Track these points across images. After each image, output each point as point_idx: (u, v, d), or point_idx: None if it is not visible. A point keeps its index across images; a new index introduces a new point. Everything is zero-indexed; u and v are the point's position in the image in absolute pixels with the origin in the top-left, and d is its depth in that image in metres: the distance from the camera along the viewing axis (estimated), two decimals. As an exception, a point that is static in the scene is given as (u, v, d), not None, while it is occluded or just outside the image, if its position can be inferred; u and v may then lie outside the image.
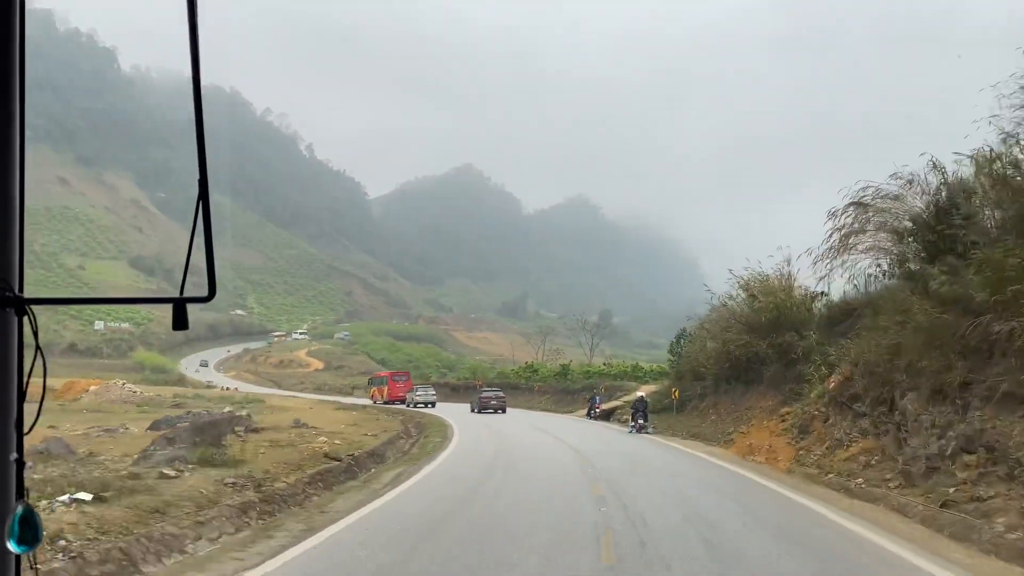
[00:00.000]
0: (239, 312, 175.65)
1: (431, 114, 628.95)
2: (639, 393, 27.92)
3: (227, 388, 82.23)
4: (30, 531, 1.27)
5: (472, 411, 44.59)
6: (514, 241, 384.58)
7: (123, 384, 45.44)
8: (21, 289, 1.49)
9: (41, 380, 1.44)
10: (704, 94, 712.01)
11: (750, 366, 26.42)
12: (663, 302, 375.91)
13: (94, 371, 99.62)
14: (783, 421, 22.06)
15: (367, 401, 59.61)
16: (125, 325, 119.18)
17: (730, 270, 27.95)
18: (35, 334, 1.45)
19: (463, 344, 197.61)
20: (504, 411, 44.02)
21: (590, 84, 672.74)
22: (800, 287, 25.22)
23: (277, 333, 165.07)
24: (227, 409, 30.06)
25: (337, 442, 18.93)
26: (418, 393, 54.12)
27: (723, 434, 24.61)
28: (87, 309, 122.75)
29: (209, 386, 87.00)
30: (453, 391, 65.60)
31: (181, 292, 1.68)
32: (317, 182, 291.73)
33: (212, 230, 1.72)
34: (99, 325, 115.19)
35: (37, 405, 1.52)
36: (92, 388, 44.62)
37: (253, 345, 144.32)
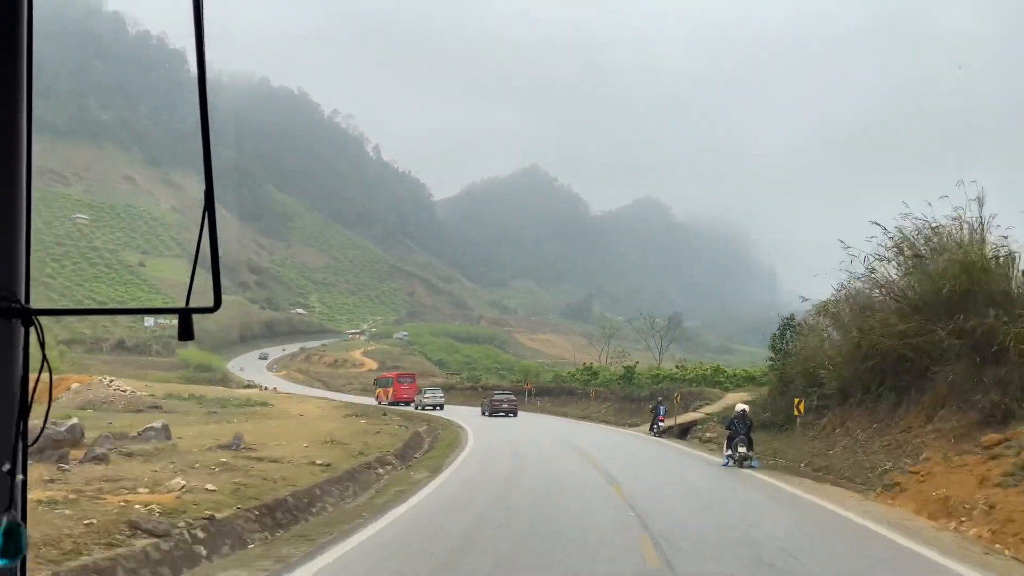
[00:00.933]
0: (299, 311, 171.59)
1: (498, 115, 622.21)
2: (740, 406, 18.93)
3: (266, 388, 76.06)
4: (13, 544, 1.25)
5: (483, 414, 42.49)
6: (580, 243, 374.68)
7: (110, 381, 38.66)
8: (28, 300, 1.48)
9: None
10: (784, 89, 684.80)
11: (907, 365, 17.12)
12: (736, 306, 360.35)
13: (137, 368, 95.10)
14: (994, 458, 12.84)
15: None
16: (176, 322, 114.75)
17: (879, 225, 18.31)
18: (42, 345, 1.42)
19: (524, 346, 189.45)
20: (516, 414, 42.15)
21: (660, 81, 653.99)
22: (997, 244, 15.69)
23: (352, 332, 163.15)
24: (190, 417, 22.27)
25: (210, 488, 10.59)
26: (426, 395, 52.25)
27: (874, 473, 15.29)
28: (115, 302, 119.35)
29: (248, 386, 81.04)
30: (502, 394, 57.62)
31: (187, 303, 1.64)
32: (383, 183, 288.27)
33: (218, 240, 1.67)
34: (150, 321, 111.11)
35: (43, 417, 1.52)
36: (73, 386, 37.96)
37: (310, 344, 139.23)
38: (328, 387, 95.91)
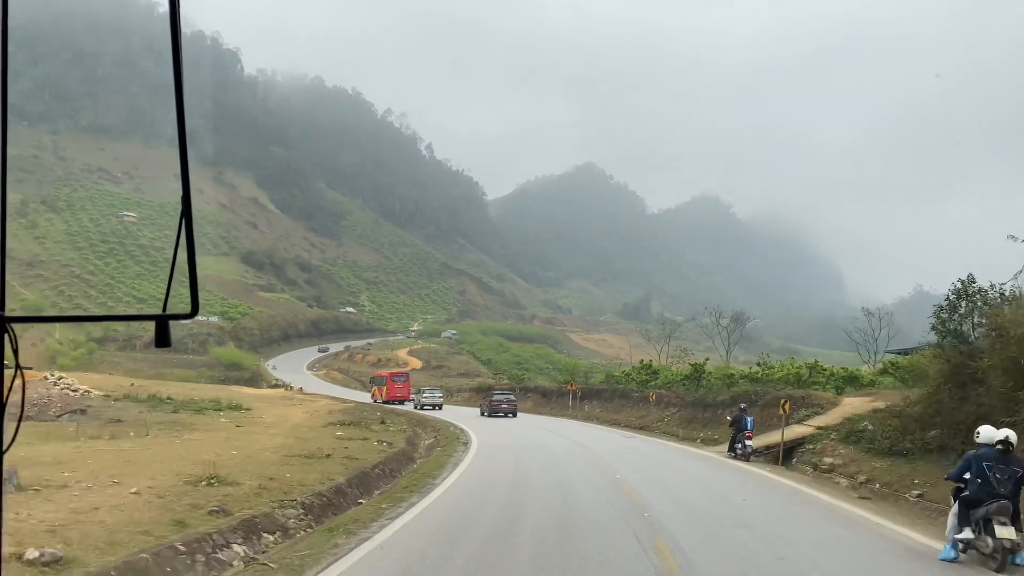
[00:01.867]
0: (349, 310, 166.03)
1: (552, 112, 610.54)
2: (991, 432, 9.74)
3: (291, 387, 69.16)
4: None
5: (482, 414, 41.00)
6: (637, 242, 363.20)
7: (58, 379, 31.65)
8: (2, 307, 1.45)
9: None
10: (853, 81, 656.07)
11: None
12: (799, 306, 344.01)
13: (162, 367, 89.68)
14: None
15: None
16: (214, 319, 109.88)
17: None
18: (15, 352, 1.40)
19: (578, 346, 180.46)
20: (515, 415, 40.67)
21: (720, 73, 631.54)
22: None
23: (414, 329, 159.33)
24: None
25: None
26: (424, 395, 51.18)
27: None
28: (155, 299, 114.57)
29: (275, 385, 74.43)
30: (544, 397, 48.88)
31: (164, 309, 1.58)
32: (435, 182, 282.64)
33: (196, 246, 1.59)
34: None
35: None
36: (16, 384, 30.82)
37: (355, 343, 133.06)
38: (365, 387, 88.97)
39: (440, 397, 51.16)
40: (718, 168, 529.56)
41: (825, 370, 31.07)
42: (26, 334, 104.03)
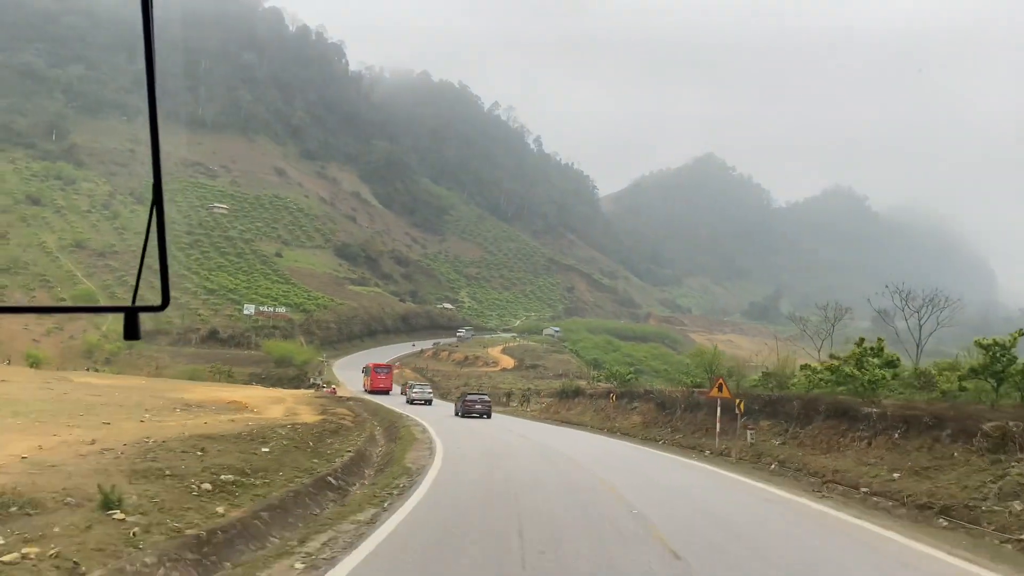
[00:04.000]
0: (446, 306, 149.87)
1: (668, 101, 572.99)
2: None
3: (325, 388, 52.02)
4: None
5: (456, 415, 38.64)
6: (762, 237, 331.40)
7: None
8: None
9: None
10: (1008, 51, 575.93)
11: None
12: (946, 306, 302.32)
13: (201, 361, 75.07)
14: None
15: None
16: (281, 310, 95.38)
17: None
18: None
19: (701, 347, 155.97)
20: (489, 416, 37.85)
21: (854, 51, 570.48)
22: None
23: (514, 326, 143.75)
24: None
25: None
26: (415, 391, 50.10)
27: None
28: (235, 293, 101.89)
29: (312, 384, 57.64)
30: (660, 408, 28.31)
31: (133, 301, 1.44)
32: (543, 176, 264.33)
33: (167, 237, 1.50)
34: (249, 309, 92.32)
35: None
36: None
37: (447, 340, 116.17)
38: (439, 388, 71.26)
39: (430, 393, 49.68)
40: (851, 158, 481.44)
41: None
42: (69, 326, 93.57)
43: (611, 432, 29.04)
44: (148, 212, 1.86)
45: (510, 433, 26.06)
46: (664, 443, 23.57)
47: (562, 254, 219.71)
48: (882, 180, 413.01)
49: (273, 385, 61.56)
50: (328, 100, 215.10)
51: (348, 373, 78.96)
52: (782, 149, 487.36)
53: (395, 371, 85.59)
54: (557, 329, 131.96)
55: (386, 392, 54.51)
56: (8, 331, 75.47)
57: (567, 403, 37.28)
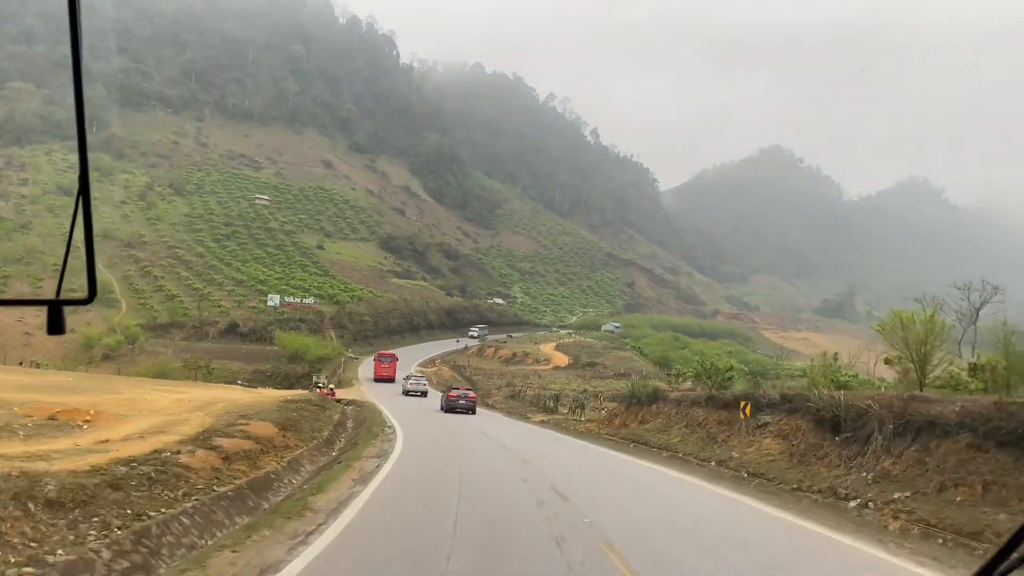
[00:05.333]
0: (497, 301, 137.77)
1: (731, 90, 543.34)
2: None
3: (321, 388, 40.22)
4: None
5: (441, 410, 37.47)
6: (833, 232, 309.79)
7: None
8: None
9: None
10: None
11: None
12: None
13: (228, 358, 64.56)
14: None
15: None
16: (309, 300, 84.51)
17: None
18: None
19: (776, 345, 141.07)
20: (473, 412, 37.18)
21: (933, 32, 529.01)
22: None
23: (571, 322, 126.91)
24: None
25: None
26: (410, 382, 49.22)
27: None
28: (265, 285, 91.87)
29: (316, 385, 45.99)
30: (824, 429, 14.99)
31: (57, 294, 1.38)
32: (601, 169, 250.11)
33: (93, 228, 1.45)
34: (274, 300, 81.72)
35: None
36: None
37: (496, 336, 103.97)
38: (476, 388, 59.12)
39: (424, 385, 49.14)
40: (927, 147, 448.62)
41: None
42: (71, 318, 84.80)
43: (723, 466, 16.07)
44: (74, 203, 1.71)
45: (531, 483, 13.22)
46: (879, 509, 10.55)
47: (621, 248, 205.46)
48: (961, 172, 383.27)
49: (278, 384, 50.41)
50: (378, 92, 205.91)
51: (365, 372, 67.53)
52: (852, 139, 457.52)
53: (431, 369, 73.84)
54: (617, 325, 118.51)
55: (391, 380, 53.85)
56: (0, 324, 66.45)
57: (639, 411, 24.39)
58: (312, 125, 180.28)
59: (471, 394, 38.84)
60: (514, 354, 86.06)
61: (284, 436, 17.23)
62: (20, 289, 75.53)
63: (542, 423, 32.92)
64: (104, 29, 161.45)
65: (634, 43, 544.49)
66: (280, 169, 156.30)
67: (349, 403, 37.47)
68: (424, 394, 47.37)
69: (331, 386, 39.04)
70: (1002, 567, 1.78)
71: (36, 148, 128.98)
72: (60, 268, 1.63)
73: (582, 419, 33.12)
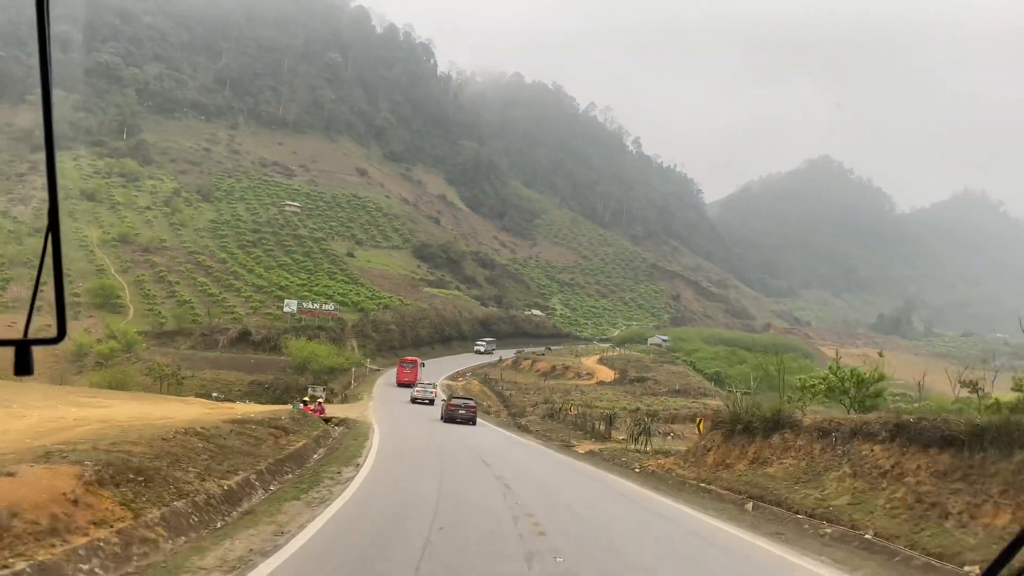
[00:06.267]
0: (535, 312, 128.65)
1: (778, 99, 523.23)
2: None
3: (307, 404, 31.54)
4: None
5: (441, 420, 35.67)
6: (885, 246, 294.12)
7: None
8: None
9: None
10: None
11: None
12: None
13: (237, 369, 56.62)
14: None
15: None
16: (329, 307, 76.44)
17: None
18: None
19: (831, 359, 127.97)
20: (474, 423, 35.50)
21: (993, 34, 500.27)
22: None
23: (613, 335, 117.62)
24: None
25: None
26: (416, 390, 48.34)
27: None
28: (286, 291, 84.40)
29: (312, 397, 37.42)
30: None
31: (25, 333, 1.33)
32: (643, 179, 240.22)
33: (63, 265, 1.39)
34: (291, 306, 73.85)
35: None
36: None
37: (534, 349, 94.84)
38: (507, 404, 50.28)
39: (432, 393, 47.60)
40: (984, 159, 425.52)
41: None
42: (73, 323, 77.93)
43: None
44: (44, 235, 1.58)
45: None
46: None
47: (665, 260, 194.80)
48: (1021, 184, 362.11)
49: (274, 398, 42.21)
50: (415, 101, 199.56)
51: (394, 381, 59.05)
52: (904, 150, 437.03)
53: (459, 383, 65.15)
54: (665, 338, 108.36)
55: (411, 385, 53.31)
56: (-13, 327, 59.49)
57: (748, 444, 15.18)
58: (347, 133, 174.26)
59: (471, 404, 37.65)
60: (553, 367, 76.73)
61: (86, 502, 8.39)
62: (17, 293, 69.07)
63: (590, 455, 23.66)
64: (140, 36, 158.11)
65: (677, 48, 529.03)
66: (313, 176, 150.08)
67: (340, 422, 28.80)
68: (431, 402, 46.67)
69: (319, 400, 30.38)
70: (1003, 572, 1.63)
71: (64, 154, 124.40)
72: (31, 302, 1.52)
73: (647, 450, 23.89)
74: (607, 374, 72.27)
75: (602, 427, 31.00)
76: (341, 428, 27.45)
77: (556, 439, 30.52)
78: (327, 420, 28.21)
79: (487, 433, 31.89)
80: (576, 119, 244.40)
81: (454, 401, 37.59)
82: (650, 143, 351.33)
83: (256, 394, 42.34)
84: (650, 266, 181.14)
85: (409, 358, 66.90)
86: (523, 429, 36.19)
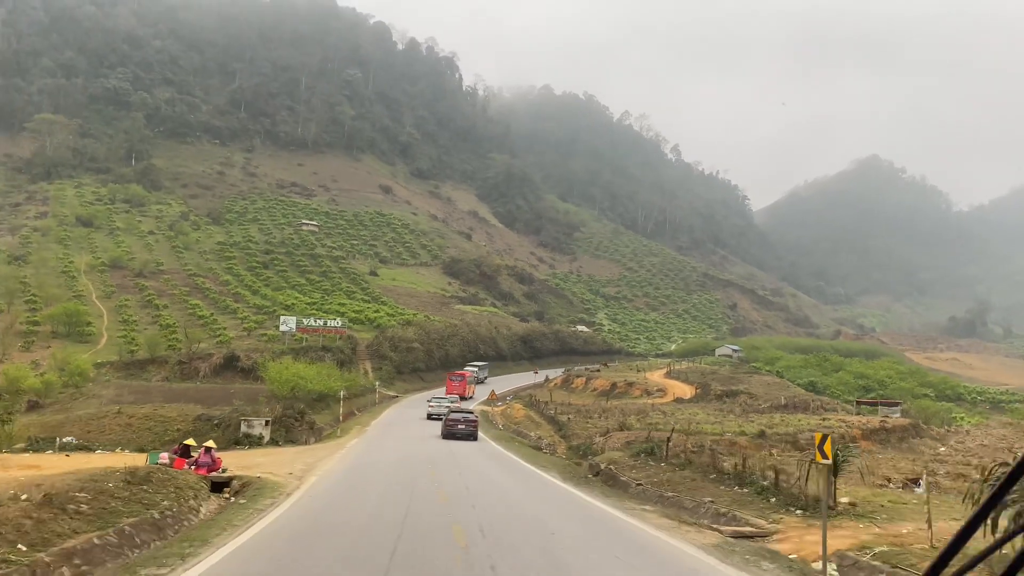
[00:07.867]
0: (581, 328, 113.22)
1: (823, 98, 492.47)
2: None
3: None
4: None
5: (442, 437, 32.98)
6: (944, 246, 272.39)
7: None
8: None
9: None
10: None
11: None
12: None
13: (188, 400, 42.62)
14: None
15: None
16: (335, 323, 62.22)
17: None
18: None
19: (923, 366, 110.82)
20: (475, 438, 32.87)
21: None
22: None
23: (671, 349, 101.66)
24: None
25: None
26: (431, 404, 42.52)
27: None
28: (290, 311, 70.86)
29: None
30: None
31: None
32: (685, 187, 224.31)
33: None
34: (288, 325, 59.84)
35: None
36: None
37: (579, 367, 79.37)
38: (563, 430, 35.16)
39: (446, 407, 40.15)
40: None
41: None
42: (21, 354, 63.87)
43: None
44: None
45: None
46: None
47: (716, 269, 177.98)
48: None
49: (225, 439, 27.76)
50: (440, 116, 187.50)
51: (412, 412, 44.47)
52: (957, 145, 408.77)
53: (498, 408, 50.10)
54: (736, 348, 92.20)
55: (461, 397, 49.62)
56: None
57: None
58: (370, 151, 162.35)
59: (472, 418, 34.79)
60: (613, 385, 61.14)
61: None
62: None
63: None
64: (149, 61, 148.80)
65: (713, 48, 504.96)
66: (333, 196, 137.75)
67: (243, 485, 14.05)
68: (440, 417, 40.79)
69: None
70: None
71: (65, 182, 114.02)
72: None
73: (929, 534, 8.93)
74: (684, 390, 56.53)
75: (768, 476, 15.29)
76: (236, 498, 12.75)
77: (686, 513, 15.10)
78: (219, 483, 13.54)
79: (547, 506, 16.02)
80: (610, 128, 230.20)
81: (453, 415, 34.59)
82: (690, 150, 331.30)
83: (201, 432, 28.24)
84: (701, 275, 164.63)
85: (458, 372, 60.73)
86: (610, 481, 20.09)
